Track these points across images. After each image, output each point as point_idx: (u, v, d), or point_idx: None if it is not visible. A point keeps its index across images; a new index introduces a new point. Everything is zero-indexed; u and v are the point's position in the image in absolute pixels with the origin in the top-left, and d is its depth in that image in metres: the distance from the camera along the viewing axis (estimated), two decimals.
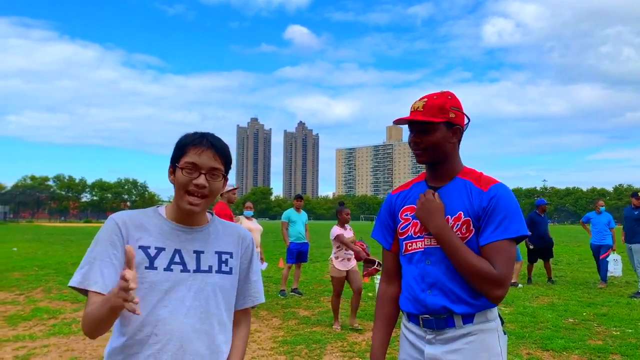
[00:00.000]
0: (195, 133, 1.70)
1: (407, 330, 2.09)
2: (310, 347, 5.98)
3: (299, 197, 10.13)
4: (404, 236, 2.07)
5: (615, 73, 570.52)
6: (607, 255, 11.45)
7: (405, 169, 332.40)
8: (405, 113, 2.10)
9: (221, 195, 7.73)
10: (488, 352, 1.94)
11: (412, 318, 2.05)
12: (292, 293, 9.77)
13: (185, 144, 1.66)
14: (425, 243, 2.00)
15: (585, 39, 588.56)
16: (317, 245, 24.27)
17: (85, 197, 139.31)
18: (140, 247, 1.60)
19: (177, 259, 1.63)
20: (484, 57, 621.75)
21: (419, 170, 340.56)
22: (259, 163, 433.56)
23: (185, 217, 1.68)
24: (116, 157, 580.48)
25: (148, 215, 1.69)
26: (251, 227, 8.61)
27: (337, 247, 7.24)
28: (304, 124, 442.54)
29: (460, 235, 1.94)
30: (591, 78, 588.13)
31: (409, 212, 2.07)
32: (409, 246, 2.04)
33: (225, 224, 1.81)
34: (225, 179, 1.70)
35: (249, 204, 9.16)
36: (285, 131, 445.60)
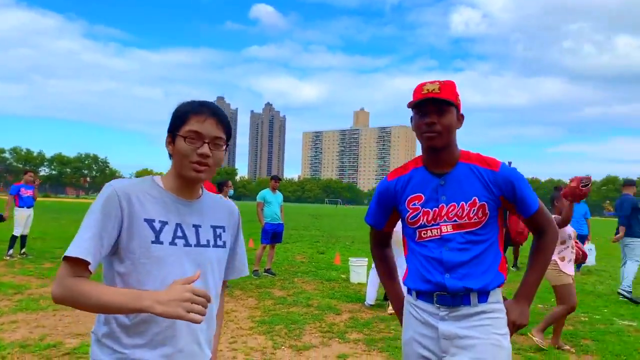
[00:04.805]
0: (194, 101, 1.64)
1: (413, 308, 2.12)
2: (289, 327, 5.95)
3: (275, 178, 10.01)
4: (416, 225, 2.09)
5: (576, 68, 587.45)
6: (584, 245, 11.82)
7: (371, 155, 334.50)
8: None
9: None
10: (500, 330, 2.02)
11: (423, 296, 2.08)
12: (265, 273, 9.71)
13: (187, 112, 1.59)
14: (442, 230, 2.02)
15: (550, 33, 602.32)
16: (285, 227, 24.24)
17: (44, 171, 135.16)
18: (145, 220, 1.53)
19: (179, 232, 1.59)
20: (450, 46, 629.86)
21: (384, 157, 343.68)
22: None
23: (184, 189, 1.64)
24: (76, 130, 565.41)
25: (148, 185, 1.61)
26: None
27: (563, 244, 5.36)
28: (271, 105, 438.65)
29: (477, 220, 2.00)
30: (553, 72, 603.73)
31: (417, 202, 2.09)
32: (423, 234, 2.07)
33: (214, 197, 1.80)
34: (227, 149, 1.67)
35: (229, 183, 9.05)
36: (252, 112, 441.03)
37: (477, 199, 1.99)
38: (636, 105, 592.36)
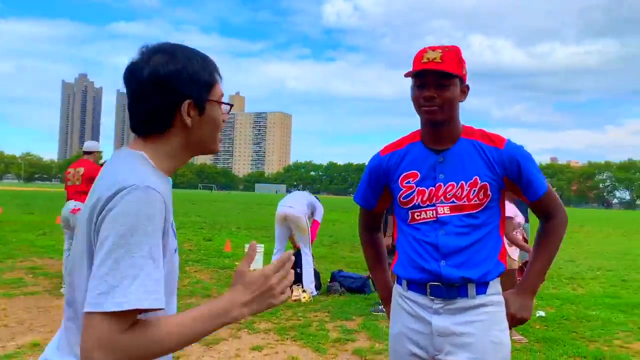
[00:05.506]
0: (198, 53, 1.25)
1: (404, 300, 1.92)
2: None
3: None
4: (409, 205, 1.88)
5: None
6: None
7: (247, 140, 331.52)
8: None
9: (89, 153, 6.75)
10: (499, 326, 1.85)
11: (415, 286, 1.88)
12: None
13: (212, 72, 1.23)
14: (439, 212, 1.83)
15: (414, 29, 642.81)
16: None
17: None
18: (171, 225, 1.18)
19: (171, 229, 1.24)
20: (322, 35, 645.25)
21: (259, 142, 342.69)
22: (86, 123, 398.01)
23: (173, 171, 1.28)
24: None
25: (158, 175, 1.16)
26: None
27: (514, 231, 5.25)
28: None
29: (478, 201, 1.82)
30: None
31: (411, 179, 1.89)
32: (417, 215, 1.87)
33: None
34: None
35: None
36: (118, 91, 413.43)
37: (478, 178, 1.81)
38: (487, 99, 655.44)
